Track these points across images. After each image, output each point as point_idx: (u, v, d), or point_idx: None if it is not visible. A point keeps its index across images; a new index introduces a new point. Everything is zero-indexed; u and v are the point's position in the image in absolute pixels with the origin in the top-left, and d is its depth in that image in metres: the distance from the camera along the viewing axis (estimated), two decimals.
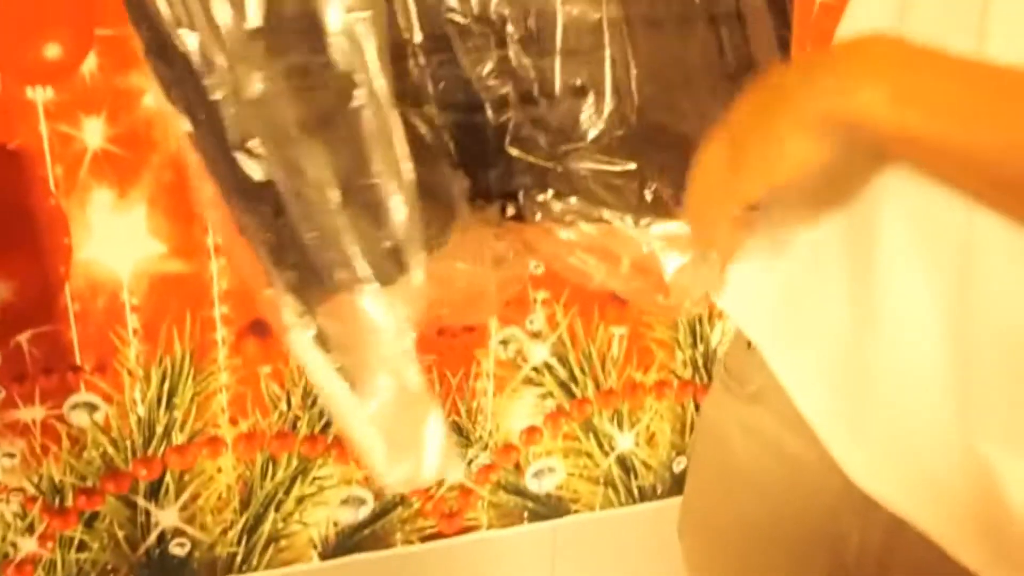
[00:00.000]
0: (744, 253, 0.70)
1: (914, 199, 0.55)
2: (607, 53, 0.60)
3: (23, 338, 1.11)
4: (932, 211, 0.54)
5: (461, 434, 1.38)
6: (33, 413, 1.15)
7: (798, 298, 0.65)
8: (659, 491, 1.53)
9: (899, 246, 0.56)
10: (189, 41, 0.54)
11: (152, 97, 1.04)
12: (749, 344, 0.69)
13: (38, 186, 1.05)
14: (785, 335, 0.66)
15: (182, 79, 0.56)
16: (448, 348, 1.31)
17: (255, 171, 0.56)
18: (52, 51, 0.99)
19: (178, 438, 1.23)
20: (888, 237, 0.57)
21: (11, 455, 1.16)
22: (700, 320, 1.43)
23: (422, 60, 0.60)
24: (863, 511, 0.64)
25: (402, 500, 1.39)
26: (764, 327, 0.68)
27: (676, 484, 1.52)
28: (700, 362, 1.46)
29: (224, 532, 1.30)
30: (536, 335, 1.35)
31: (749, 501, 0.72)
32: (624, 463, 1.49)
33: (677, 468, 1.52)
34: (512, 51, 0.60)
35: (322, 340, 0.60)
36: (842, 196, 0.61)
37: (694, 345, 1.45)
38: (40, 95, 1.01)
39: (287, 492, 1.31)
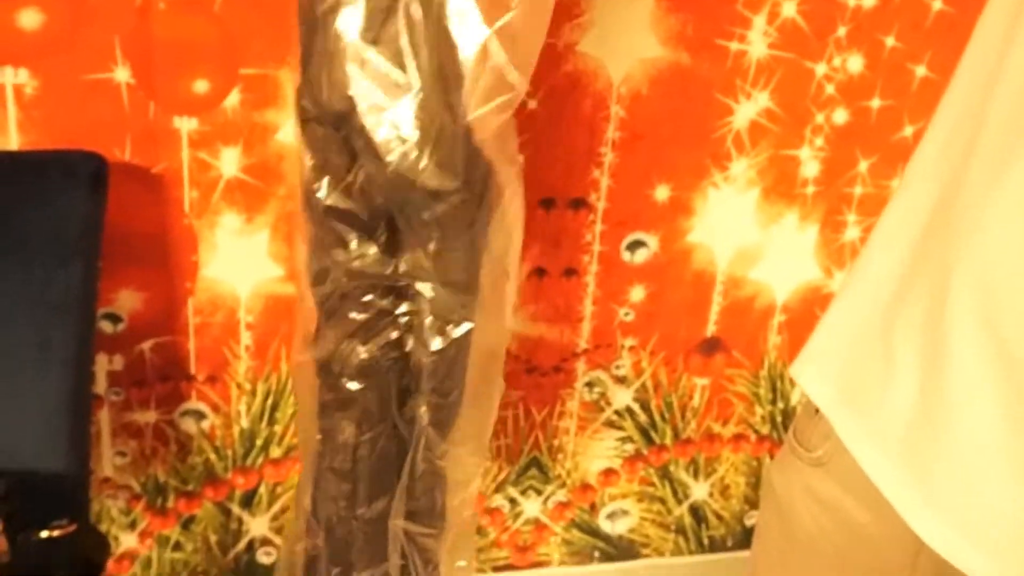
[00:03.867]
0: (819, 326, 0.74)
1: (983, 293, 0.59)
2: None
3: (146, 346, 1.19)
4: (1001, 301, 0.58)
5: (541, 470, 1.42)
6: (147, 416, 1.23)
7: (868, 371, 0.68)
8: (729, 543, 1.55)
9: (967, 332, 0.60)
10: None
11: (284, 132, 1.12)
12: (816, 411, 0.72)
13: (174, 207, 1.13)
14: (853, 404, 0.69)
15: None
16: (536, 386, 1.36)
17: None
18: (200, 86, 1.08)
19: (276, 452, 1.29)
20: (958, 326, 0.61)
21: (123, 454, 1.24)
22: (781, 377, 1.46)
23: None
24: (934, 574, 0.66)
25: (479, 529, 1.43)
26: (832, 396, 0.71)
27: (746, 537, 1.54)
28: (778, 419, 1.49)
29: None
30: (621, 380, 1.39)
31: (813, 565, 0.74)
32: (696, 512, 1.51)
33: (749, 521, 1.54)
34: None
35: None
36: (915, 282, 0.65)
37: (773, 402, 1.47)
38: (185, 125, 1.09)
39: None
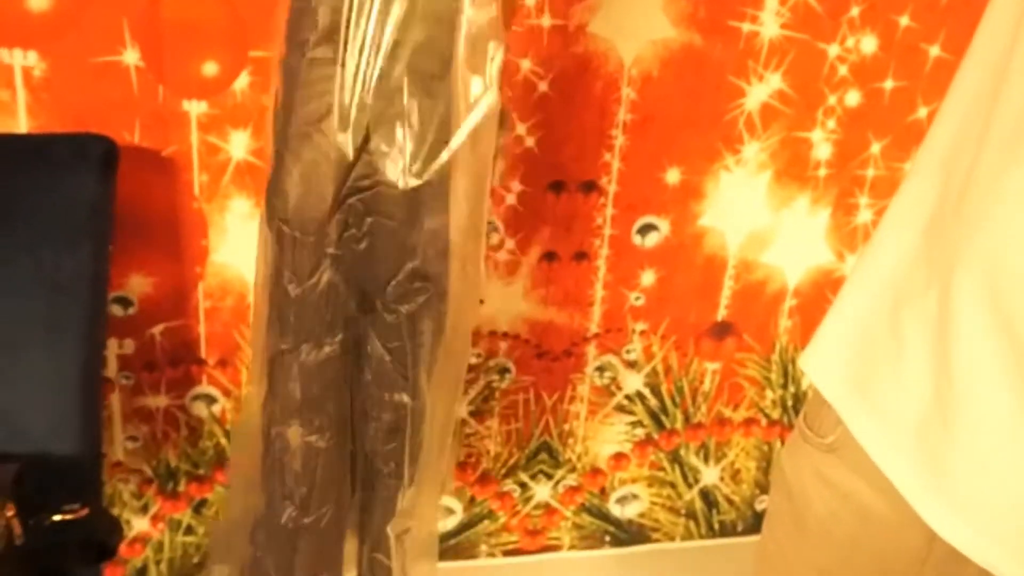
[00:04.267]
0: (827, 317, 0.74)
1: (992, 281, 0.59)
2: None
3: (156, 330, 1.19)
4: (1009, 289, 0.58)
5: (551, 455, 1.42)
6: (158, 401, 1.23)
7: (877, 362, 0.68)
8: (740, 528, 1.54)
9: (976, 321, 0.60)
10: None
11: None
12: None
13: (184, 191, 1.13)
14: (862, 396, 0.69)
15: None
16: (546, 371, 1.36)
17: None
18: (209, 69, 1.07)
19: None
20: (967, 315, 0.61)
21: (135, 438, 1.24)
22: (792, 362, 1.45)
23: None
24: (947, 565, 0.66)
25: (489, 514, 1.43)
26: (841, 388, 0.71)
27: (757, 522, 1.53)
28: (789, 403, 1.48)
29: None
30: (632, 365, 1.39)
31: (823, 551, 0.74)
32: (707, 497, 1.51)
33: (759, 506, 1.53)
34: None
35: None
36: (925, 271, 0.65)
37: (785, 386, 1.47)
38: (195, 108, 1.09)
39: None
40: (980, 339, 0.60)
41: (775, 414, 1.48)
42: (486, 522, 1.44)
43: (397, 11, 0.75)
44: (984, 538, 0.63)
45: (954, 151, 0.65)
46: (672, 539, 1.52)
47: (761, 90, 1.25)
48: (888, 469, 0.66)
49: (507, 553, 1.46)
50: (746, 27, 1.20)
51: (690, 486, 1.50)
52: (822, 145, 1.30)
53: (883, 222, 0.71)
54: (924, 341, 0.64)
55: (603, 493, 1.47)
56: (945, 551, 0.65)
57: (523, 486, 1.43)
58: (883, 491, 0.67)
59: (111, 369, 1.19)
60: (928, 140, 0.69)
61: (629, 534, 1.50)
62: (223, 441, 1.27)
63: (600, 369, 1.38)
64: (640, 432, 1.44)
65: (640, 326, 1.36)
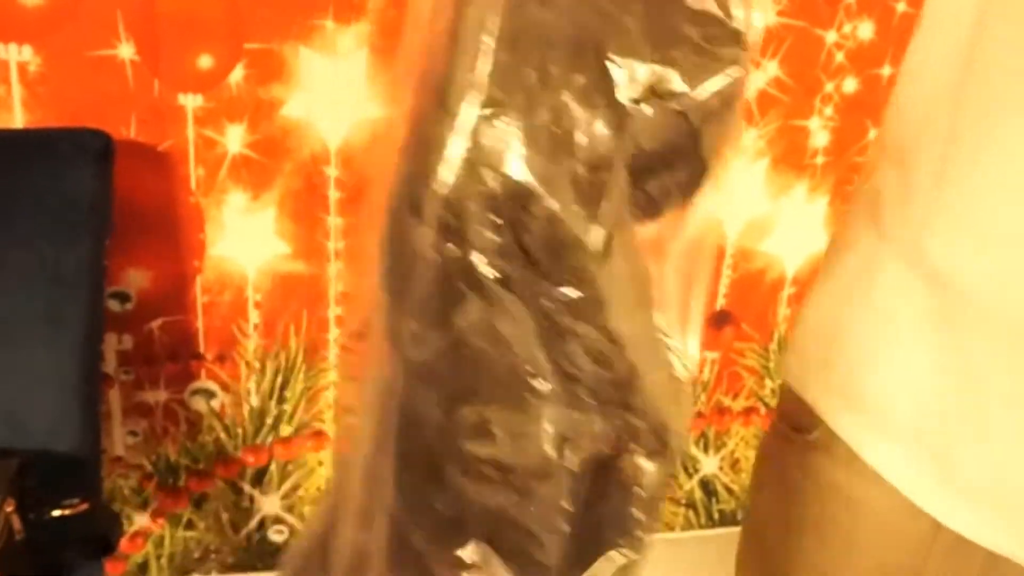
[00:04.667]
0: (798, 324, 0.72)
1: (983, 259, 0.58)
2: None
3: (155, 325, 1.19)
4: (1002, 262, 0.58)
5: None
6: (157, 396, 1.23)
7: (858, 358, 0.65)
8: (739, 517, 1.55)
9: (978, 311, 0.59)
10: None
11: (289, 108, 1.11)
12: None
13: (181, 185, 1.13)
14: (845, 394, 0.67)
15: None
16: None
17: None
18: (204, 62, 1.07)
19: (286, 430, 1.29)
20: (967, 307, 0.59)
21: (135, 433, 1.24)
22: None
23: None
24: (954, 552, 0.65)
25: None
26: (821, 387, 0.68)
27: None
28: None
29: None
30: None
31: (815, 551, 0.72)
32: (707, 486, 1.51)
33: None
34: None
35: None
36: (890, 255, 0.64)
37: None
38: (190, 102, 1.08)
39: None
40: (985, 322, 0.59)
41: (774, 403, 1.48)
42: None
43: None
44: (994, 522, 0.62)
45: (921, 119, 0.62)
46: (672, 529, 1.53)
47: (758, 77, 1.24)
48: (881, 465, 0.65)
49: None
50: None
51: (690, 476, 1.50)
52: (820, 133, 1.30)
53: (851, 207, 0.69)
54: (917, 326, 0.62)
55: None
56: (951, 538, 0.64)
57: None
58: (878, 483, 0.65)
59: (110, 364, 1.19)
60: (890, 109, 0.66)
61: None
62: (222, 435, 1.27)
63: None
64: None
65: None
